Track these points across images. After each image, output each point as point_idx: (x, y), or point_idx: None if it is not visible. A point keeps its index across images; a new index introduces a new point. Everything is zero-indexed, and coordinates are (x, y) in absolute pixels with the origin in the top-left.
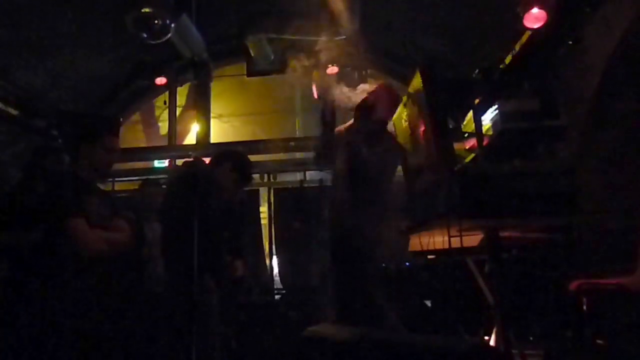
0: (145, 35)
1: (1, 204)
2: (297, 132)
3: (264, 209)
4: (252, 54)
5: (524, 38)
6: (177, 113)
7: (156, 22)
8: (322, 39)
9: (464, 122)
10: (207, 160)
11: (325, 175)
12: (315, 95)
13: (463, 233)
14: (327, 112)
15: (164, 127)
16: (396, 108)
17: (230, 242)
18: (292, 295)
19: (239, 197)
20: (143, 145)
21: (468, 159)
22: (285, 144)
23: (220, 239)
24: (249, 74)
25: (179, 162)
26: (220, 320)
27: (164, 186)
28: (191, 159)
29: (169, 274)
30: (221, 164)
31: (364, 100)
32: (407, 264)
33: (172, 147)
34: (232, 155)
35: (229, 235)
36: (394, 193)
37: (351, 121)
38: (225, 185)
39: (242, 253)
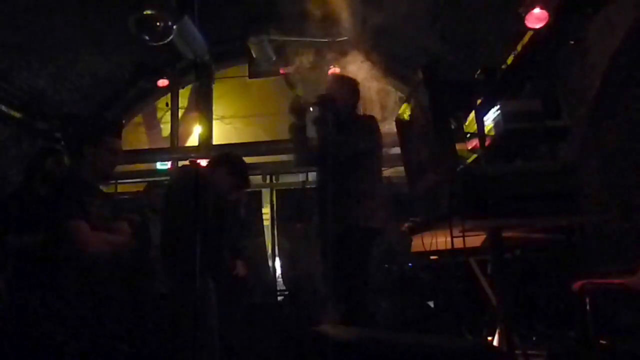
0: (147, 37)
1: (4, 206)
2: None
3: (266, 210)
4: (254, 56)
5: (526, 38)
6: (180, 115)
7: (158, 24)
8: (324, 41)
9: (466, 123)
10: (204, 163)
11: None
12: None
13: (466, 233)
14: (297, 111)
15: (166, 129)
16: (353, 92)
17: (230, 242)
18: (294, 296)
19: (238, 199)
20: (145, 147)
21: (470, 160)
22: (287, 145)
23: (220, 241)
24: (251, 76)
25: (181, 163)
26: (223, 320)
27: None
28: (187, 163)
29: (170, 276)
30: (218, 167)
31: (322, 95)
32: (410, 264)
33: (174, 149)
34: (228, 159)
35: (229, 236)
36: (376, 181)
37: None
38: (223, 188)
39: (242, 253)
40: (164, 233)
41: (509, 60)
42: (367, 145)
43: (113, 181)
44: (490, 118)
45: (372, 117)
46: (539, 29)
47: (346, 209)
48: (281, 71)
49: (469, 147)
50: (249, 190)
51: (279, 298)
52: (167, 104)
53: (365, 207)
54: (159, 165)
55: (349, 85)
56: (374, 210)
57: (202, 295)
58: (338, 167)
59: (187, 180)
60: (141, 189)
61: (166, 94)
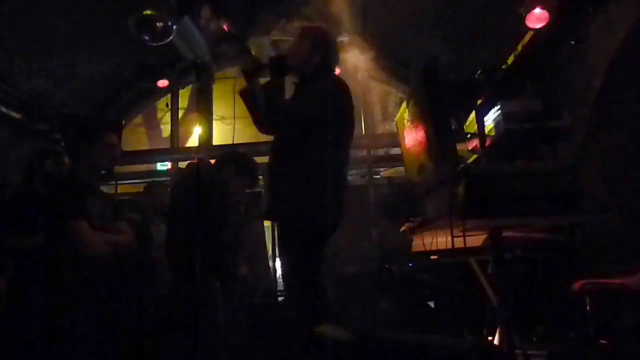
0: (147, 38)
1: (4, 207)
2: None
3: None
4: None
5: (527, 38)
6: (180, 115)
7: (158, 24)
8: None
9: (467, 123)
10: (212, 161)
11: None
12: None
13: (466, 233)
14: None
15: (166, 129)
16: (314, 46)
17: (234, 242)
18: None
19: (243, 198)
20: (145, 147)
21: (471, 160)
22: None
23: (225, 240)
24: None
25: (182, 164)
26: (226, 319)
27: (169, 188)
28: (196, 160)
29: (174, 275)
30: (226, 165)
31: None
32: (410, 264)
33: (174, 149)
34: (236, 157)
35: (233, 235)
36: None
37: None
38: (230, 187)
39: (244, 253)
40: (169, 232)
41: (510, 61)
42: (315, 111)
43: (113, 182)
44: (490, 118)
45: (336, 80)
46: (539, 29)
47: (284, 196)
48: None
49: (470, 147)
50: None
51: (280, 299)
52: (167, 105)
53: (303, 195)
54: (159, 166)
55: (309, 38)
56: (313, 199)
57: (208, 295)
58: (282, 141)
59: (193, 178)
60: (141, 189)
61: (166, 94)
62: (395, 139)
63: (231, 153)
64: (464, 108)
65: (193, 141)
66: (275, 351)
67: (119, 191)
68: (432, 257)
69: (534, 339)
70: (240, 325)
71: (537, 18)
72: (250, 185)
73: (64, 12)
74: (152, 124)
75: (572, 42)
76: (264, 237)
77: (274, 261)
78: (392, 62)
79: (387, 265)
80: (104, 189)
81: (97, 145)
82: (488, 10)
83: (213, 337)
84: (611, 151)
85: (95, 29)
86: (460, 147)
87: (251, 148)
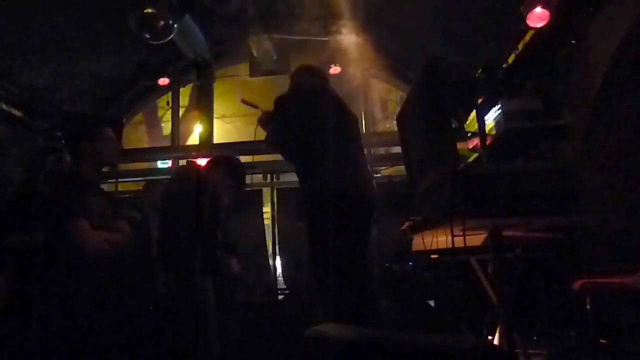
0: (148, 36)
1: (5, 205)
2: None
3: (267, 209)
4: (255, 54)
5: (527, 37)
6: (180, 114)
7: (159, 22)
8: (324, 39)
9: (467, 122)
10: (203, 163)
11: None
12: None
13: (466, 232)
14: None
15: (167, 127)
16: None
17: (225, 241)
18: (295, 295)
19: (234, 199)
20: (146, 145)
21: (471, 159)
22: None
23: (215, 240)
24: (252, 74)
25: (182, 162)
26: (219, 318)
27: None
28: (185, 163)
29: (167, 274)
30: (215, 168)
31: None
32: (410, 263)
33: (175, 147)
34: (226, 160)
35: (224, 234)
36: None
37: None
38: (220, 189)
39: (237, 251)
40: (160, 232)
41: (510, 60)
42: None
43: (113, 180)
44: (491, 117)
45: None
46: (540, 28)
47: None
48: None
49: (470, 146)
50: (248, 189)
51: (280, 297)
52: (167, 103)
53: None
54: (160, 164)
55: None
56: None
57: (200, 293)
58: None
59: (184, 179)
60: (142, 187)
61: (167, 92)
62: (396, 138)
63: (222, 156)
64: (464, 107)
65: (194, 139)
66: (275, 351)
67: (119, 189)
68: (432, 256)
69: (534, 338)
70: (235, 323)
71: (537, 17)
72: (238, 187)
73: (65, 10)
74: (153, 122)
75: (573, 42)
76: (264, 236)
77: (274, 260)
78: (393, 60)
79: (387, 264)
80: (104, 187)
81: (98, 141)
82: (489, 9)
83: (206, 335)
84: (611, 151)
85: (96, 27)
86: (460, 146)
87: (252, 146)
